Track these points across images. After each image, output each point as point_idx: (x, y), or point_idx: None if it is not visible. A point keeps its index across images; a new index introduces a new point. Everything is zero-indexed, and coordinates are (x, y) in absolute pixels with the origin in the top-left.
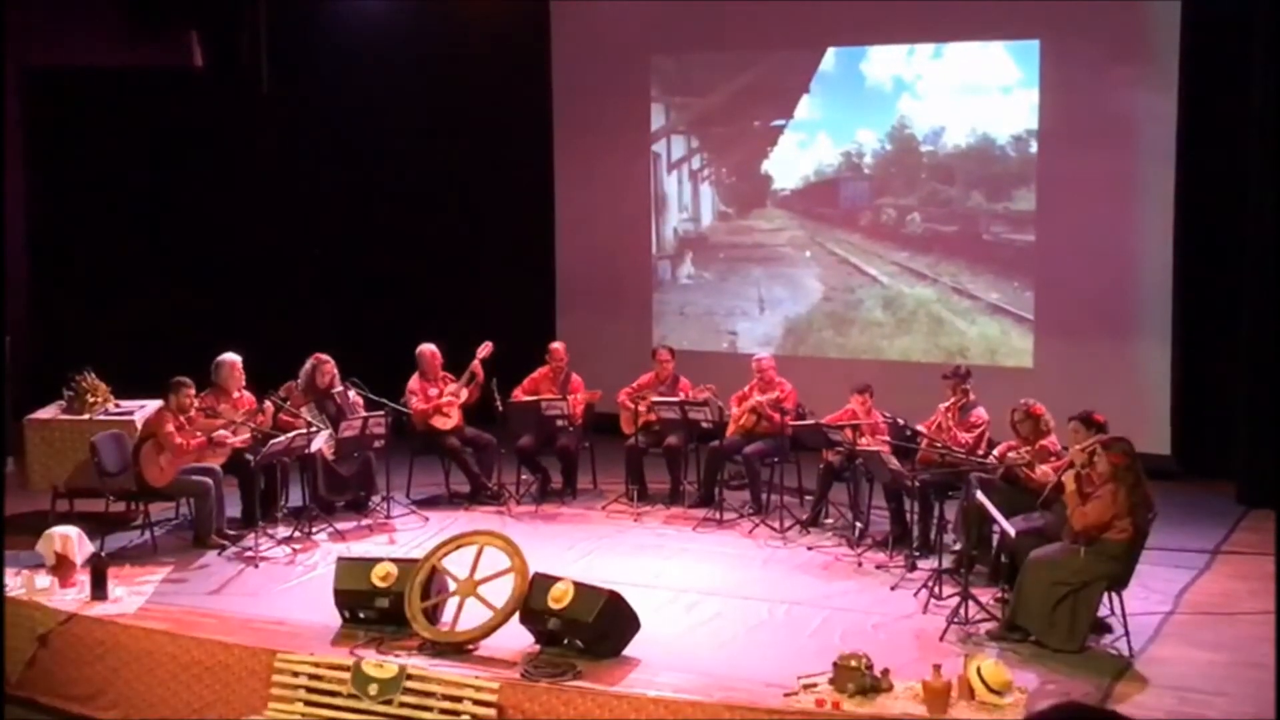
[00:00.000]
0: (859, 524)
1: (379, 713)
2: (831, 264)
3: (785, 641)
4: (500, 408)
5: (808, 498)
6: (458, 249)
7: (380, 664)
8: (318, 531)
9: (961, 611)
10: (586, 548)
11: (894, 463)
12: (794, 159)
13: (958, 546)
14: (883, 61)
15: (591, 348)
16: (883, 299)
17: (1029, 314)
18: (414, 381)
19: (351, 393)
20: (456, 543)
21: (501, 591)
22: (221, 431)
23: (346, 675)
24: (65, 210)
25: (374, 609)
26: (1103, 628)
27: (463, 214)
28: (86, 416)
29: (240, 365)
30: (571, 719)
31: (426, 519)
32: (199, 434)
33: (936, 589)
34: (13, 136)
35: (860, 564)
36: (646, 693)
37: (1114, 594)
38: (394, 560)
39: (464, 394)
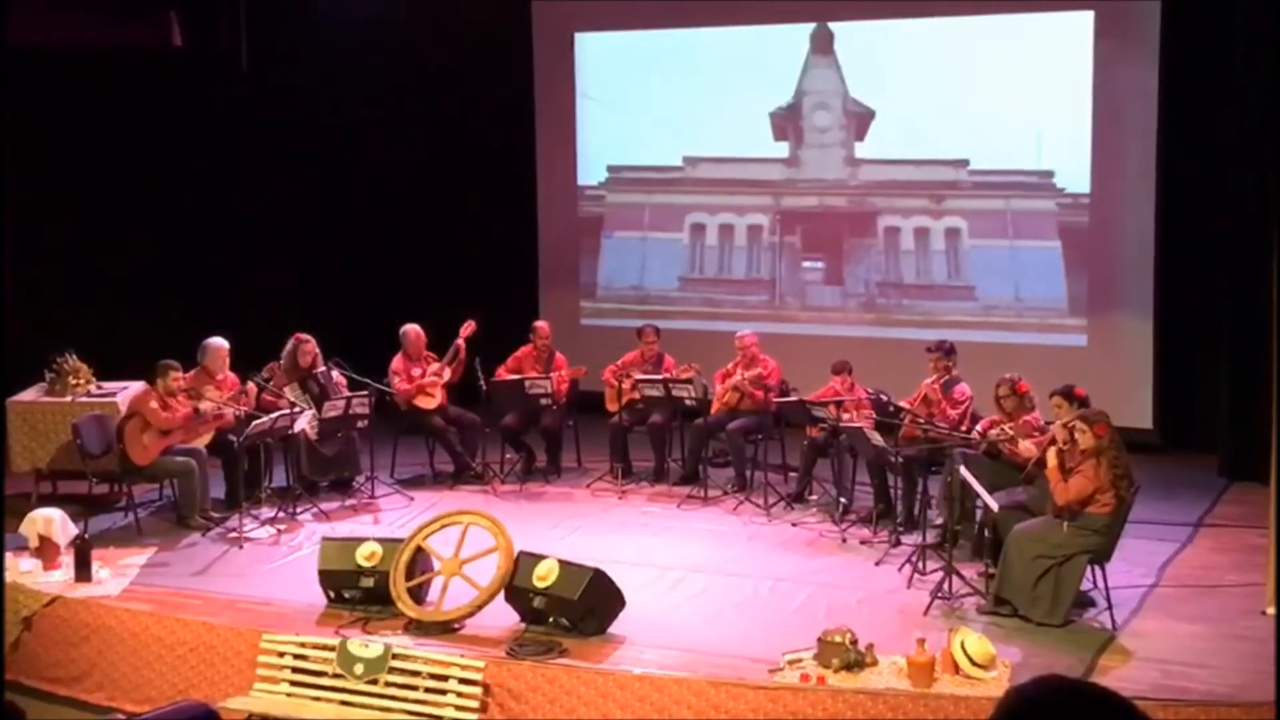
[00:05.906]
0: (843, 500)
1: (365, 692)
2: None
3: (770, 617)
4: (484, 387)
5: (792, 474)
6: (440, 227)
7: (366, 644)
8: (302, 512)
9: (945, 586)
10: (571, 526)
11: (877, 438)
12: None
13: (941, 521)
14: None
15: (574, 326)
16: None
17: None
18: (397, 361)
19: (334, 373)
20: (441, 522)
21: (486, 570)
22: (209, 401)
23: (332, 655)
24: (44, 192)
25: (359, 589)
26: (1086, 601)
27: (444, 192)
28: (68, 398)
29: (227, 350)
30: (557, 697)
31: (411, 499)
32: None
33: (920, 564)
34: None
35: (844, 540)
36: (632, 670)
37: (1097, 567)
38: (379, 540)
39: (447, 373)
